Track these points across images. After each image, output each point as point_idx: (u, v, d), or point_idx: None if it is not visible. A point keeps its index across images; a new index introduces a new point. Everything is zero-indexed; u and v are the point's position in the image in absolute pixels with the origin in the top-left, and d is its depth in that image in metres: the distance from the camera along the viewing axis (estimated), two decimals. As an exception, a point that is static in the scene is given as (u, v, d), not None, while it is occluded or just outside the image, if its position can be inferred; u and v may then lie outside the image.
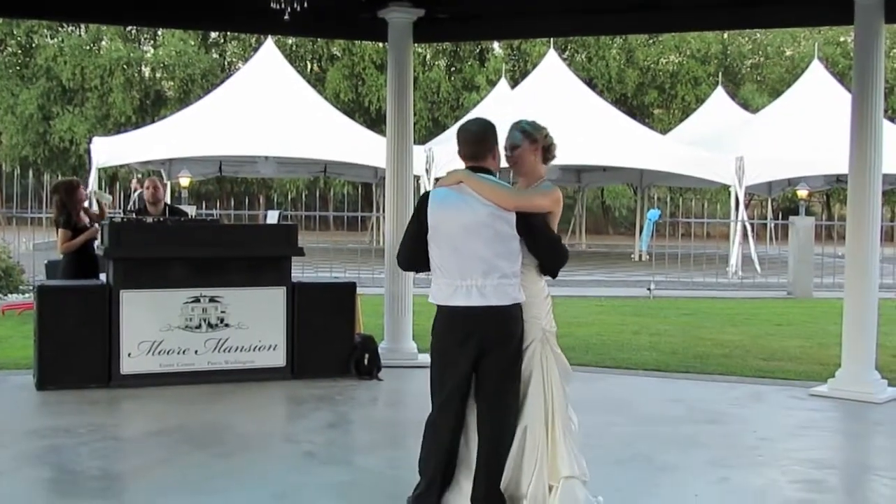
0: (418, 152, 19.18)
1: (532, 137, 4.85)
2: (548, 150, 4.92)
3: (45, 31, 43.86)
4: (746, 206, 24.90)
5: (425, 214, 4.83)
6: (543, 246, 4.78)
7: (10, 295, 14.28)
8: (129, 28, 41.68)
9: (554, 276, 4.89)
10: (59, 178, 21.77)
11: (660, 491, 5.64)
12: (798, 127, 25.47)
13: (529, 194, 4.85)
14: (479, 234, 4.68)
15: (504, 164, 4.96)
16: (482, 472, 4.78)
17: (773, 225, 32.80)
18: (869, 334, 8.58)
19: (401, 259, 5.18)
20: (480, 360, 4.74)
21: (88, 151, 25.62)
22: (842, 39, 40.64)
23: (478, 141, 4.88)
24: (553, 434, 4.76)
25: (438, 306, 4.84)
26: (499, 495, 4.76)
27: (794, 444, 6.90)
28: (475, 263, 4.68)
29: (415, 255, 4.97)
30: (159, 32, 43.15)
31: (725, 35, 44.55)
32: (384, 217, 9.55)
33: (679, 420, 7.60)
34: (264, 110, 23.62)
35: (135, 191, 10.00)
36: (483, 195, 4.68)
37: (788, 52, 46.61)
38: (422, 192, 12.18)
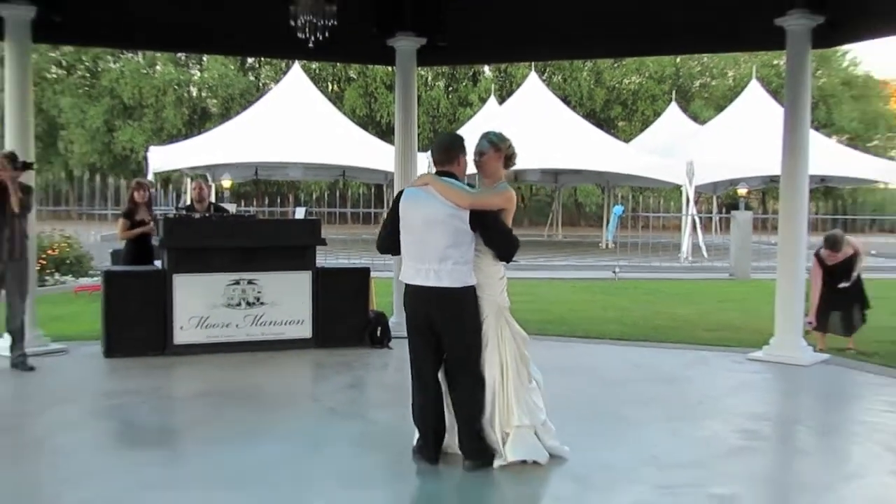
0: (421, 158, 19.01)
1: (496, 147, 5.00)
2: (509, 158, 5.04)
3: (109, 57, 43.77)
4: (695, 203, 24.90)
5: (398, 208, 4.98)
6: (495, 238, 4.86)
7: (81, 278, 14.31)
8: (179, 54, 41.60)
9: (507, 261, 4.95)
10: (122, 181, 21.74)
11: (621, 441, 5.64)
12: (739, 136, 25.49)
13: (483, 194, 4.92)
14: (436, 228, 4.79)
15: (472, 168, 5.04)
16: (463, 428, 4.90)
17: (717, 218, 32.79)
18: (797, 309, 8.62)
19: (378, 243, 5.28)
20: (441, 335, 4.87)
21: (146, 158, 25.59)
22: (775, 62, 40.55)
23: (444, 150, 5.03)
24: (506, 390, 4.86)
25: (405, 284, 4.98)
26: (480, 445, 4.85)
27: (734, 401, 6.91)
28: (432, 251, 4.80)
29: (388, 240, 5.11)
30: (204, 58, 43.07)
31: (678, 59, 44.50)
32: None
33: (638, 381, 7.60)
34: (293, 123, 23.61)
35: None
36: (443, 195, 4.79)
37: (731, 73, 46.60)
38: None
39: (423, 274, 4.85)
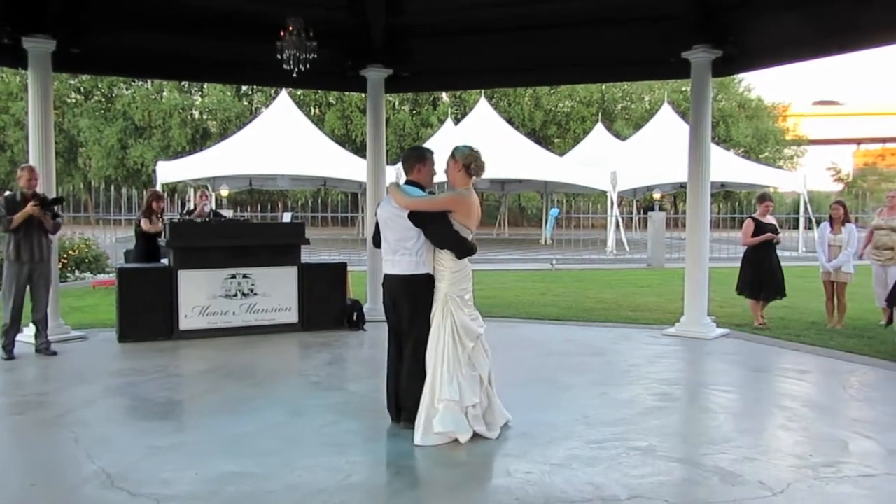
0: (389, 171, 19.02)
1: (455, 158, 4.90)
2: (468, 167, 4.85)
3: (122, 84, 42.98)
4: (618, 205, 25.15)
5: (377, 212, 5.11)
6: (429, 233, 4.79)
7: (98, 275, 14.03)
8: (183, 82, 40.95)
9: (459, 257, 4.76)
10: (135, 192, 21.36)
11: (559, 402, 5.67)
12: (654, 150, 25.83)
13: (418, 198, 4.83)
14: (390, 226, 4.91)
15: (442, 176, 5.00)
16: (404, 391, 4.91)
17: (636, 218, 33.16)
18: (702, 292, 8.74)
19: (371, 240, 5.38)
20: (396, 309, 4.95)
21: (154, 171, 25.20)
22: (683, 89, 41.01)
23: (404, 161, 5.11)
24: (441, 369, 4.71)
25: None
26: (415, 408, 4.81)
27: (652, 368, 6.97)
28: (389, 245, 4.93)
29: (375, 237, 5.20)
30: (205, 86, 42.44)
31: (603, 86, 44.84)
32: (366, 216, 9.52)
33: (572, 353, 7.64)
34: (281, 141, 23.43)
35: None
36: (393, 199, 4.87)
37: (647, 98, 47.05)
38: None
39: (387, 264, 4.99)
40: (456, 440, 4.65)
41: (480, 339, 4.83)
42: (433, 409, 4.70)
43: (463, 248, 4.77)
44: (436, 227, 4.75)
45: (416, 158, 5.02)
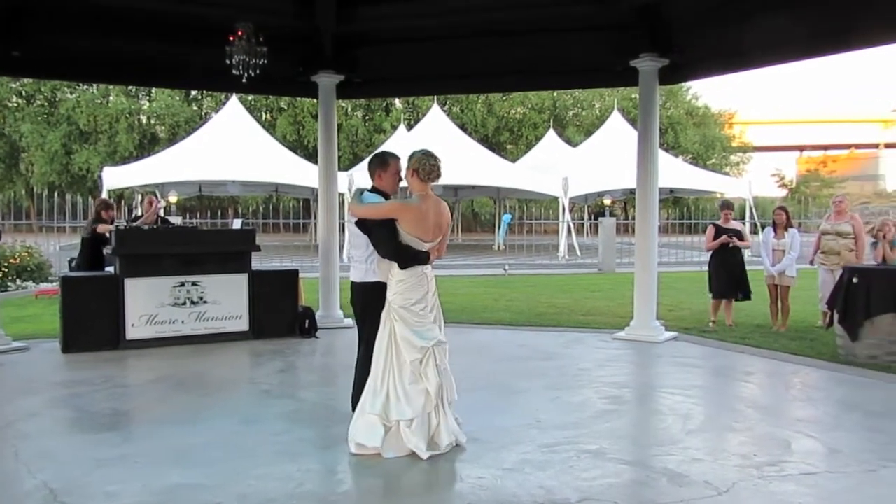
0: (342, 177, 18.97)
1: (408, 164, 4.78)
2: (417, 172, 4.70)
3: (66, 88, 41.87)
4: (570, 211, 25.45)
5: None
6: (372, 242, 4.75)
7: (41, 283, 13.63)
8: (130, 87, 40.10)
9: (401, 267, 4.60)
10: (79, 198, 20.79)
11: (512, 407, 5.70)
12: (604, 156, 26.22)
13: (361, 205, 4.74)
14: (349, 232, 5.00)
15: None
16: (357, 387, 4.86)
17: (588, 223, 33.59)
18: (651, 296, 8.89)
19: None
20: (354, 313, 5.04)
21: (100, 177, 24.59)
22: (633, 96, 41.66)
23: (368, 167, 5.06)
24: (371, 380, 4.62)
25: None
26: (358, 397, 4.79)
27: (603, 372, 7.05)
28: (349, 252, 5.00)
29: None
30: (153, 90, 41.63)
31: (554, 93, 45.35)
32: (319, 222, 9.43)
33: (525, 358, 7.70)
34: (231, 147, 23.10)
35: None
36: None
37: (597, 105, 47.72)
38: (345, 206, 12.03)
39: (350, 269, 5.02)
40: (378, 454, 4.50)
41: (429, 353, 4.56)
42: (359, 420, 4.62)
43: (404, 258, 4.59)
44: (377, 235, 4.65)
45: (377, 164, 4.95)
